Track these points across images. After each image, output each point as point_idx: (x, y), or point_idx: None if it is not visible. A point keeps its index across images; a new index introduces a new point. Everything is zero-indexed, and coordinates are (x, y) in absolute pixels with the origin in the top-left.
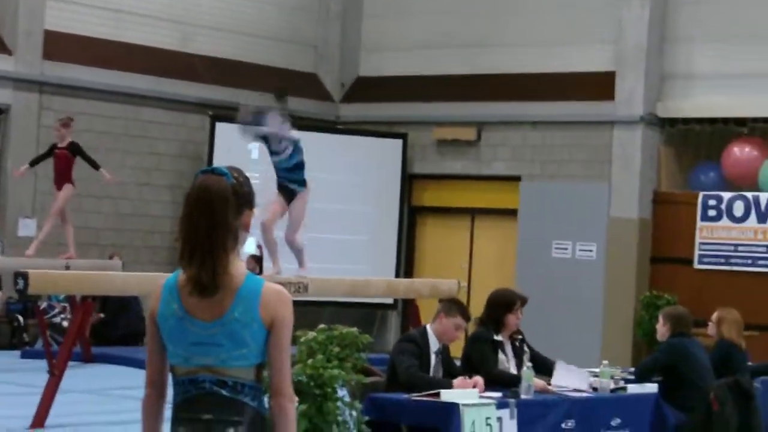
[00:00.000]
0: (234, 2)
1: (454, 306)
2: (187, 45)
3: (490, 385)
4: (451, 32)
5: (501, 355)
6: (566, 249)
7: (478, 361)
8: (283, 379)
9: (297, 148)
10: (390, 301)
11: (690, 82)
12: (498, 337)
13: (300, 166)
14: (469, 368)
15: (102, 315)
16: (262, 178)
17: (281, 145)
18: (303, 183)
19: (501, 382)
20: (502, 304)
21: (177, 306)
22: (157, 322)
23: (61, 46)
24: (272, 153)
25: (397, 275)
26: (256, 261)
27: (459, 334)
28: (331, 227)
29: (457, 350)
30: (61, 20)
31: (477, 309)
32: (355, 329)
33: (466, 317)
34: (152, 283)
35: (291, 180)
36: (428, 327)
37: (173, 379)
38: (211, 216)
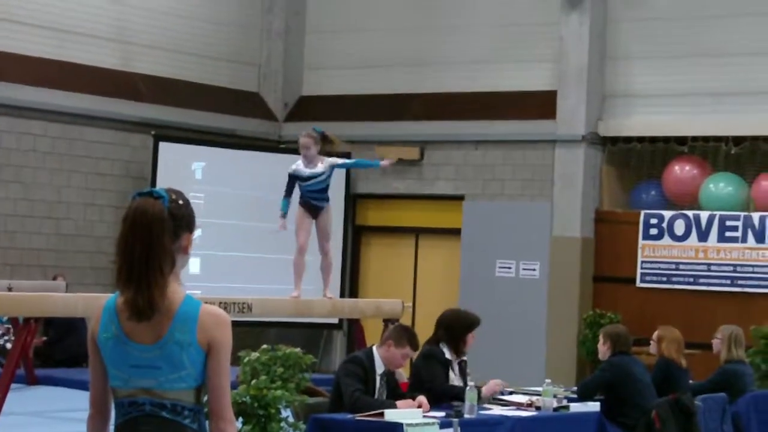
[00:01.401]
0: (175, 21)
1: (404, 336)
2: (128, 64)
3: (439, 401)
4: (393, 51)
5: (451, 374)
6: (510, 268)
7: (429, 377)
8: (222, 402)
9: (328, 174)
10: (335, 321)
11: (631, 101)
12: (447, 356)
13: (327, 189)
14: (417, 384)
15: (45, 337)
16: (206, 198)
17: (320, 170)
18: (327, 199)
19: (451, 395)
20: (464, 325)
21: (116, 328)
22: (97, 344)
23: (4, 65)
24: (306, 178)
25: (342, 295)
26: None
27: (405, 363)
28: (275, 247)
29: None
30: (5, 39)
31: (422, 328)
32: (298, 349)
33: (415, 347)
34: (95, 305)
35: (317, 199)
36: (374, 349)
37: (114, 400)
38: (148, 239)
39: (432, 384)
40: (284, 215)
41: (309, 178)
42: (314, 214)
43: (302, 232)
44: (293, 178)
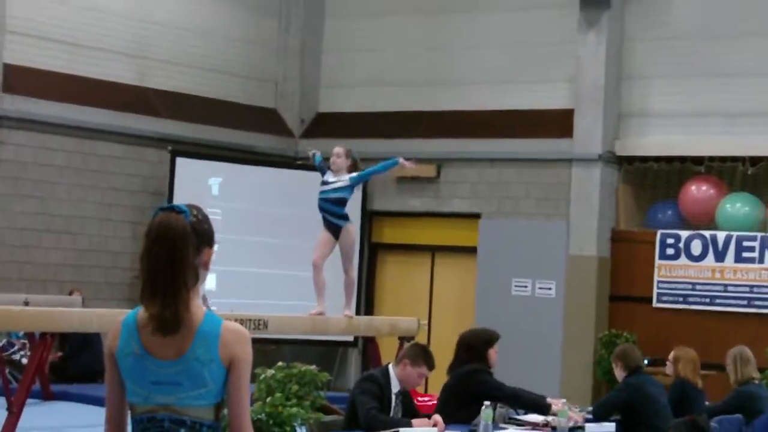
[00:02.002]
0: (192, 37)
1: (420, 355)
2: (144, 79)
3: (524, 409)
4: (410, 69)
5: None
6: (526, 287)
7: (494, 388)
8: (243, 419)
9: (349, 187)
10: (350, 338)
11: (647, 120)
12: None
13: (342, 203)
14: (474, 404)
15: (61, 353)
16: (223, 214)
17: (336, 177)
18: (346, 217)
19: (530, 403)
20: (484, 341)
21: (136, 344)
22: (115, 359)
23: (21, 79)
24: (324, 182)
25: (358, 313)
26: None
27: (421, 382)
28: (291, 264)
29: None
30: (22, 54)
31: (438, 347)
32: (313, 367)
33: (431, 367)
34: (112, 320)
35: (334, 214)
36: (390, 368)
37: (132, 417)
38: (172, 254)
39: (506, 392)
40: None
41: (326, 183)
42: (334, 232)
43: (317, 249)
44: (321, 173)
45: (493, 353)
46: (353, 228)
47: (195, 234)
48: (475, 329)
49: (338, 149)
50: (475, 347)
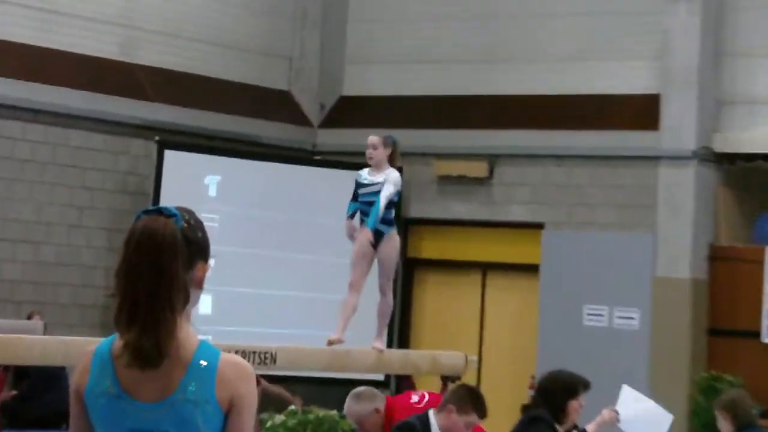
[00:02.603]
0: (189, 3)
1: (469, 400)
2: (130, 54)
3: None
4: (457, 42)
5: None
6: (601, 315)
7: None
8: None
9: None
10: (380, 377)
11: (754, 109)
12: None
13: (389, 206)
14: None
15: (16, 391)
16: (222, 221)
17: (375, 174)
18: (391, 222)
19: None
20: (565, 388)
21: (111, 382)
22: (84, 401)
23: None
24: (363, 185)
25: (390, 345)
26: None
27: None
28: (305, 283)
29: None
30: None
31: (490, 389)
32: (335, 412)
33: (483, 414)
34: (81, 351)
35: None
36: (431, 415)
37: None
38: (157, 267)
39: None
40: (350, 217)
41: (366, 185)
42: (374, 240)
43: (356, 265)
44: (356, 186)
45: (576, 406)
46: (397, 237)
47: (187, 244)
48: (557, 373)
49: (373, 139)
50: (552, 395)
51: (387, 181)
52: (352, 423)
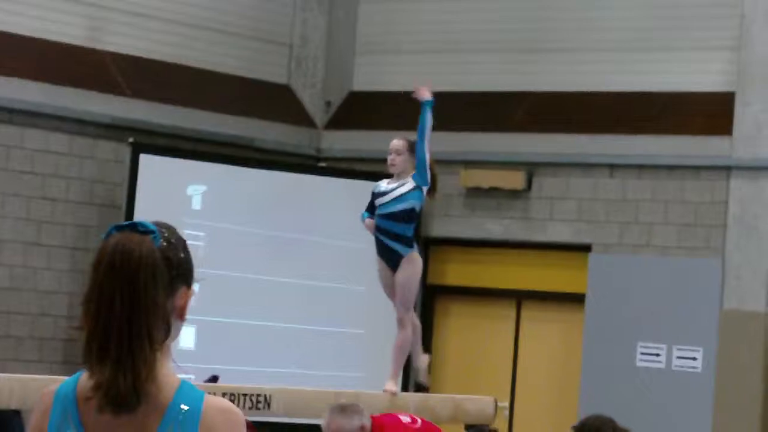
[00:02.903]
0: None
1: None
2: (99, 38)
3: None
4: (490, 29)
5: None
6: (658, 355)
7: None
8: None
9: (416, 191)
10: None
11: None
12: None
13: (408, 217)
14: None
15: None
16: (208, 239)
17: (396, 182)
18: (410, 241)
19: None
20: None
21: (75, 428)
22: None
23: None
24: (380, 194)
25: (405, 387)
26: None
27: None
28: (305, 313)
29: None
30: None
31: None
32: None
33: None
34: (40, 392)
35: (394, 236)
36: None
37: None
38: (133, 294)
39: None
40: (365, 219)
41: (382, 194)
42: (391, 262)
43: (390, 297)
44: (372, 197)
45: None
46: (419, 258)
47: (167, 266)
48: (598, 418)
49: (396, 143)
50: None
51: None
52: None
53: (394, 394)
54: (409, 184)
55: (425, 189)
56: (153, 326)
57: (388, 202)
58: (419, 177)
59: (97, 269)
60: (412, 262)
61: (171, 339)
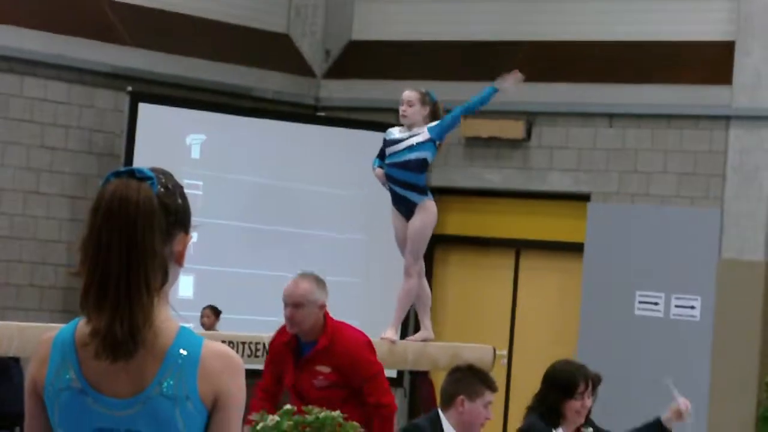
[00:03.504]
0: None
1: (475, 380)
2: None
3: None
4: None
5: None
6: (656, 304)
7: None
8: None
9: (430, 143)
10: (392, 373)
11: None
12: None
13: (420, 166)
14: None
15: None
16: (206, 187)
17: (408, 131)
18: (425, 190)
19: None
20: (559, 386)
21: (74, 374)
22: (42, 397)
23: None
24: (393, 142)
25: (404, 335)
26: (215, 314)
27: (491, 414)
28: (305, 262)
29: None
30: None
31: (522, 388)
32: (338, 413)
33: (495, 387)
34: (39, 339)
35: (407, 185)
36: (442, 413)
37: None
38: (131, 240)
39: None
40: (376, 168)
41: (393, 142)
42: (405, 211)
43: (401, 247)
44: (383, 144)
45: (573, 407)
46: (433, 207)
47: (165, 211)
48: (558, 365)
49: (408, 94)
50: (546, 394)
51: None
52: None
53: (393, 342)
54: (424, 135)
55: (438, 143)
56: (150, 273)
57: (400, 151)
58: (436, 133)
59: (95, 215)
60: (426, 210)
61: (169, 285)
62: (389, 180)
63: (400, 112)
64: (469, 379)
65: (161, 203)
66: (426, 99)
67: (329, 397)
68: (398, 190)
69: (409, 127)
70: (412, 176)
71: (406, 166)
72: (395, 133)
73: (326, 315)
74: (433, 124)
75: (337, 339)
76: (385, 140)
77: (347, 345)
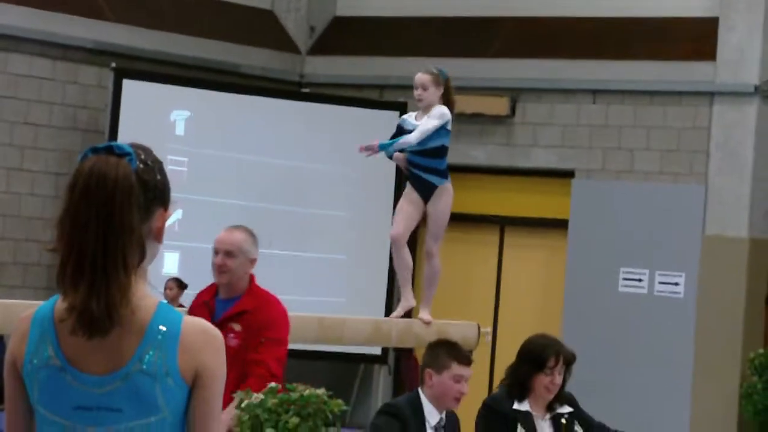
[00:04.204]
0: None
1: (442, 353)
2: None
3: None
4: None
5: None
6: (640, 281)
7: None
8: None
9: (443, 129)
10: (377, 351)
11: None
12: (522, 407)
13: (439, 152)
14: None
15: None
16: (191, 164)
17: (423, 118)
18: (443, 174)
19: None
20: (529, 359)
21: (53, 351)
22: (21, 374)
23: None
24: (407, 130)
25: (388, 312)
26: (180, 287)
27: (464, 388)
28: (291, 239)
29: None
30: None
31: (506, 364)
32: (322, 391)
33: (465, 360)
34: (19, 315)
35: (426, 168)
36: (421, 392)
37: None
38: (107, 216)
39: None
40: (392, 153)
41: (410, 130)
42: (424, 193)
43: (400, 218)
44: (397, 130)
45: (543, 382)
46: (451, 190)
47: (143, 188)
48: (533, 338)
49: (422, 78)
50: (516, 368)
51: (429, 116)
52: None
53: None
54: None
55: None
56: (128, 250)
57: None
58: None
59: (72, 192)
60: (448, 193)
61: (147, 261)
62: (411, 165)
63: (416, 96)
64: (436, 351)
65: (139, 179)
66: (439, 79)
67: (243, 358)
68: (422, 174)
69: (425, 110)
70: (433, 162)
71: (426, 153)
72: (410, 120)
73: (252, 277)
74: (437, 122)
75: (263, 304)
76: (400, 126)
77: (272, 310)
